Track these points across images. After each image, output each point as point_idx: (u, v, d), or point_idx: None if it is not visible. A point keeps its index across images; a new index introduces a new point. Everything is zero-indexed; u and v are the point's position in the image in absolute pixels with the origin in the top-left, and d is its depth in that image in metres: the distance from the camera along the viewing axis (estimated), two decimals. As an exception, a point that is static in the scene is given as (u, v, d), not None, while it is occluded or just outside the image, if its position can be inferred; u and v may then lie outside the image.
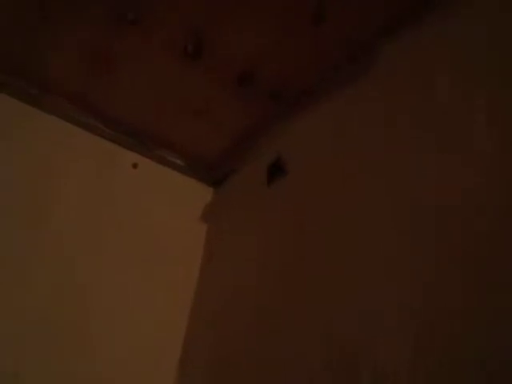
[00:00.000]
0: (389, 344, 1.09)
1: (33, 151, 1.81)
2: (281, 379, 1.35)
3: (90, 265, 1.78)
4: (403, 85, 1.36)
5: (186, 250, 1.98)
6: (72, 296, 1.71)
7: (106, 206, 1.89)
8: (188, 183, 2.09)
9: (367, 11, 1.44)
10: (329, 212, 1.45)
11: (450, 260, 1.05)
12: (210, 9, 1.53)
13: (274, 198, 1.72)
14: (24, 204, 1.73)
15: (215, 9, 1.52)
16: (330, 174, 1.51)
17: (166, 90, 1.81)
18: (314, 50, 1.58)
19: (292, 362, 1.33)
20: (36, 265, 1.69)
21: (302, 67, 1.65)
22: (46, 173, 1.82)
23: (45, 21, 1.61)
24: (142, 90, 1.82)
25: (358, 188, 1.38)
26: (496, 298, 0.95)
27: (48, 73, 1.80)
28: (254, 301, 1.60)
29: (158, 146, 2.04)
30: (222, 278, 1.83)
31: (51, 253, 1.73)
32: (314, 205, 1.52)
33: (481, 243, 1.01)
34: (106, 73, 1.77)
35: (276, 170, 1.75)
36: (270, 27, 1.55)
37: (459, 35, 1.25)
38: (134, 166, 2.01)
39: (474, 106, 1.13)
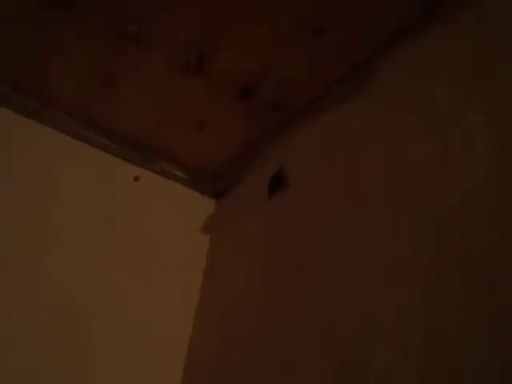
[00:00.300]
0: (389, 345, 1.09)
1: (34, 164, 1.81)
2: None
3: (93, 273, 1.78)
4: (404, 90, 1.38)
5: (189, 261, 1.97)
6: (72, 298, 1.70)
7: (107, 217, 1.88)
8: (190, 195, 2.10)
9: (367, 23, 1.46)
10: (329, 218, 1.45)
11: (449, 260, 1.04)
12: (211, 23, 1.54)
13: (276, 209, 1.73)
14: (25, 217, 1.73)
15: (216, 23, 1.54)
16: (331, 183, 1.52)
17: (167, 104, 1.82)
18: (315, 61, 1.59)
19: (294, 366, 1.33)
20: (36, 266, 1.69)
21: (303, 79, 1.66)
22: (46, 185, 1.81)
23: (46, 35, 1.63)
24: (144, 104, 1.83)
25: (358, 192, 1.38)
26: (496, 298, 0.94)
27: (49, 87, 1.81)
28: (256, 308, 1.60)
29: (160, 159, 2.05)
30: (224, 286, 1.83)
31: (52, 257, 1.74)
32: (314, 212, 1.53)
33: (481, 243, 1.00)
34: (108, 87, 1.78)
35: (277, 183, 1.75)
36: (270, 40, 1.56)
37: (459, 38, 1.26)
38: (136, 179, 2.01)
39: (473, 107, 1.13)
